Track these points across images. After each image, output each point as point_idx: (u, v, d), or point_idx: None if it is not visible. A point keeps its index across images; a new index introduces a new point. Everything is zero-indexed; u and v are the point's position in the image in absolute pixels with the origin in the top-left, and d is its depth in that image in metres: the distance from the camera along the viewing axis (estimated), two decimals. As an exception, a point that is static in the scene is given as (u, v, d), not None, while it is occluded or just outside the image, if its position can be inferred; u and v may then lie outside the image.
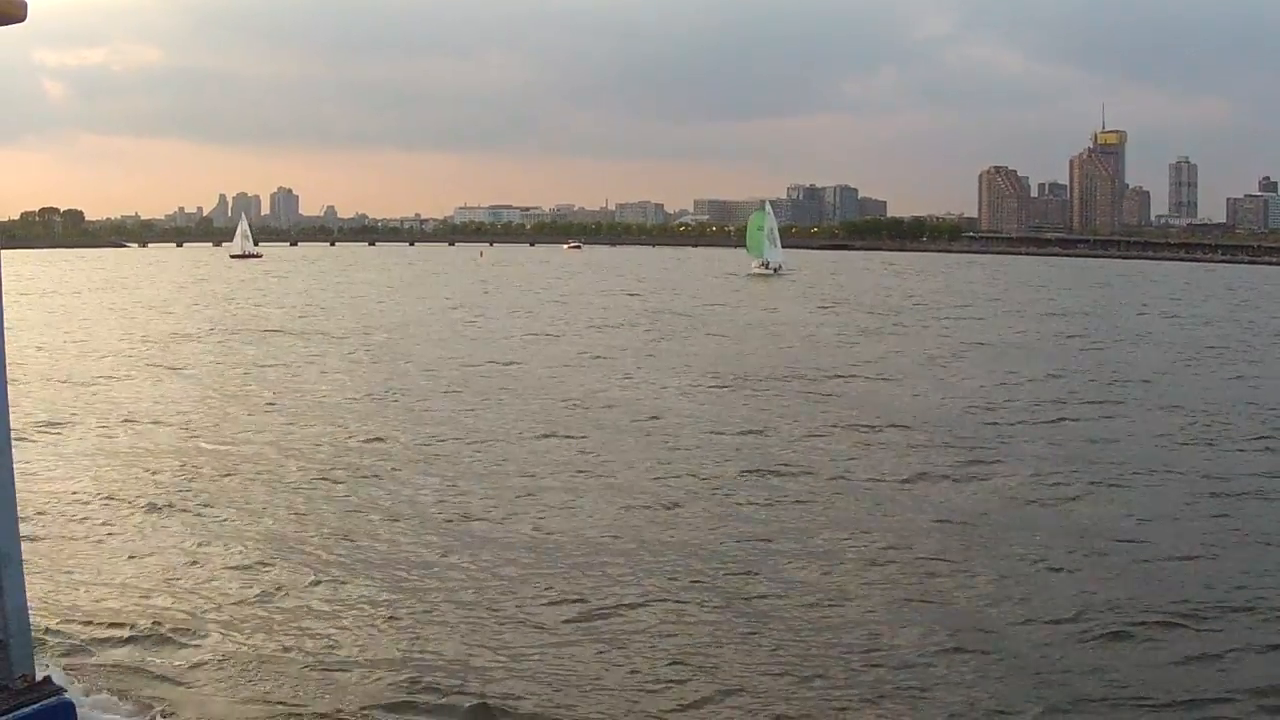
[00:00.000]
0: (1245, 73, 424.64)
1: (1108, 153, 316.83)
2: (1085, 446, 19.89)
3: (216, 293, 70.45)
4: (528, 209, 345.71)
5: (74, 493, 15.63)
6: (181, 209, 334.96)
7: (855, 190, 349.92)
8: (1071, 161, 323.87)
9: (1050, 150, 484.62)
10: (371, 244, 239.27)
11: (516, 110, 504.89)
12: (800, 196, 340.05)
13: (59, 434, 20.22)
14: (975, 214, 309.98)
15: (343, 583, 11.83)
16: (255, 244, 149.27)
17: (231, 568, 12.34)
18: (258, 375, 29.33)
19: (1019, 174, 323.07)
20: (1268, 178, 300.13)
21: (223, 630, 10.36)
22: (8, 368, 4.57)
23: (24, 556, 4.77)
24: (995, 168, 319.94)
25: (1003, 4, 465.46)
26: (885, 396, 26.23)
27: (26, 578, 4.72)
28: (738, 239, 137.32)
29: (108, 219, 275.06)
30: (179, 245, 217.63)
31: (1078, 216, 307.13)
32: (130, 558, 12.68)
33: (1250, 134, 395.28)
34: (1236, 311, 62.18)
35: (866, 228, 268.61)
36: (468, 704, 8.90)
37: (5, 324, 4.62)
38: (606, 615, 10.92)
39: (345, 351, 35.38)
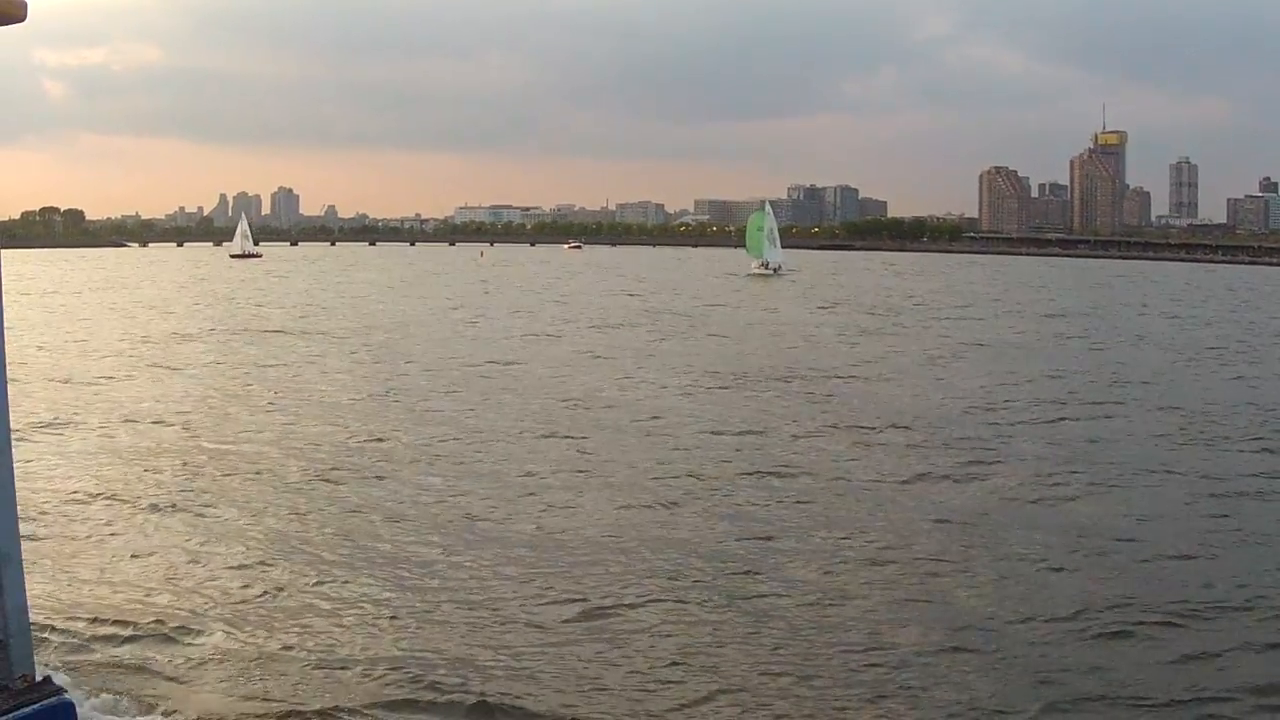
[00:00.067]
0: (1245, 73, 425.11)
1: (1108, 153, 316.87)
2: (1085, 446, 19.91)
3: (217, 293, 70.45)
4: (528, 209, 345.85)
5: (75, 492, 15.64)
6: (182, 209, 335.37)
7: (856, 190, 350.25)
8: (1072, 162, 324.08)
9: (1051, 150, 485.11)
10: (372, 244, 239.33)
11: (517, 110, 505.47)
12: (801, 197, 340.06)
13: (60, 434, 20.23)
14: (976, 214, 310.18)
15: (344, 582, 11.85)
16: (255, 244, 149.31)
17: (232, 567, 12.35)
18: (259, 375, 29.34)
19: (1019, 174, 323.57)
20: (1268, 178, 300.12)
21: (224, 629, 10.37)
22: (8, 368, 4.57)
23: (25, 556, 4.78)
24: (996, 168, 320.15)
25: (1003, 4, 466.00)
26: (885, 396, 26.23)
27: (27, 577, 4.72)
28: (738, 239, 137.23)
29: (108, 219, 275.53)
30: (179, 245, 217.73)
31: (1078, 217, 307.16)
32: (132, 557, 12.68)
33: (1251, 134, 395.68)
34: (1237, 312, 62.22)
35: (867, 228, 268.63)
36: (468, 703, 8.91)
37: (5, 324, 4.63)
38: (607, 614, 10.94)
39: (346, 351, 35.38)
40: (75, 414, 22.42)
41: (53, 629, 10.10)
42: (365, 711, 8.75)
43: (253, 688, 9.13)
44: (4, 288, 4.81)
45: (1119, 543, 13.56)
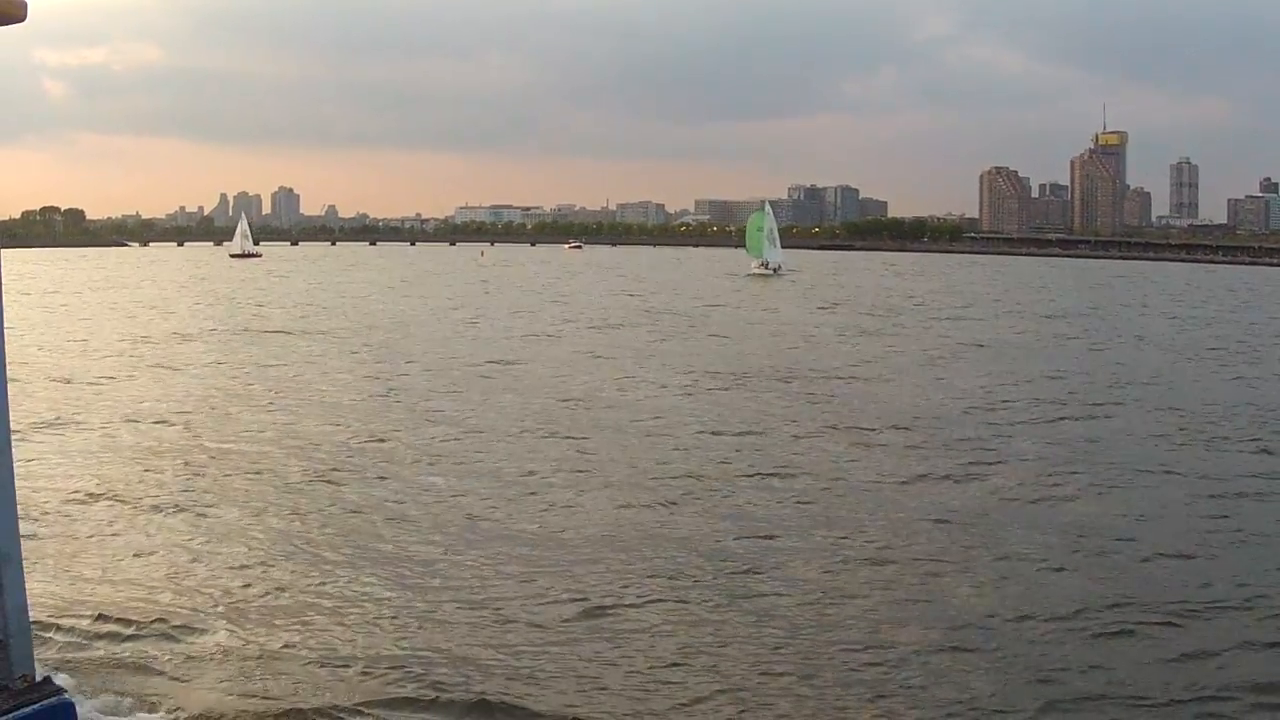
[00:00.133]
0: (1245, 73, 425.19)
1: (1109, 153, 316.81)
2: (1085, 446, 19.91)
3: (218, 292, 70.46)
4: (529, 209, 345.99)
5: (76, 491, 15.64)
6: (182, 208, 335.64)
7: (856, 190, 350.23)
8: (1072, 162, 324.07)
9: (1051, 151, 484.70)
10: (372, 244, 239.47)
11: (517, 110, 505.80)
12: (801, 197, 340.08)
13: (62, 433, 20.24)
14: (976, 214, 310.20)
15: (345, 580, 11.86)
16: (256, 243, 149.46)
17: (234, 566, 12.36)
18: (260, 375, 29.34)
19: (1020, 174, 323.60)
20: (1269, 179, 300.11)
21: (225, 628, 10.38)
22: (8, 368, 4.58)
23: (26, 555, 4.78)
24: (996, 168, 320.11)
25: (1003, 4, 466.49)
26: (885, 397, 26.24)
27: (28, 576, 4.72)
28: (738, 239, 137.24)
29: (108, 218, 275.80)
30: (180, 245, 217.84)
31: (1079, 217, 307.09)
32: (133, 556, 12.69)
33: (1251, 134, 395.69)
34: (1237, 313, 62.21)
35: (867, 228, 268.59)
36: (469, 701, 8.93)
37: (5, 324, 4.63)
38: (608, 613, 10.95)
39: (347, 351, 35.39)
40: (76, 413, 22.43)
41: (54, 628, 10.11)
42: (366, 710, 8.76)
43: (254, 686, 9.14)
44: (4, 287, 4.81)
45: (1118, 542, 13.57)
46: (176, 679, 9.26)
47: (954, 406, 24.71)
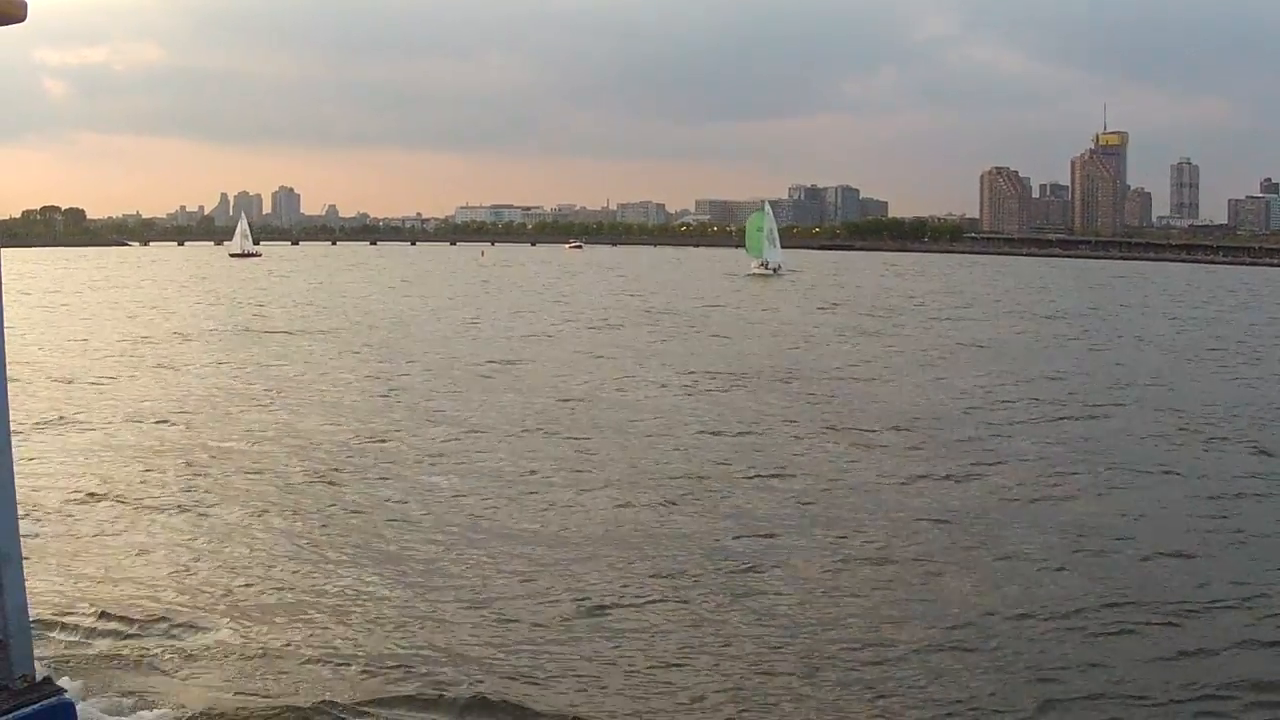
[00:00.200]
0: (1245, 73, 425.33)
1: (1109, 154, 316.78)
2: (1085, 446, 19.92)
3: (218, 292, 70.47)
4: (529, 209, 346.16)
5: (77, 490, 15.65)
6: (183, 208, 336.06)
7: (856, 191, 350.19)
8: (1073, 162, 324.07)
9: (1051, 151, 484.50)
10: (373, 243, 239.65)
11: (517, 110, 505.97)
12: (801, 197, 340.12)
13: (63, 433, 20.25)
14: (976, 215, 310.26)
15: (346, 579, 11.87)
16: (256, 243, 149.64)
17: (235, 565, 12.38)
18: (260, 374, 29.36)
19: (1020, 175, 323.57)
20: (1269, 179, 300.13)
21: (226, 627, 10.39)
22: (8, 367, 4.58)
23: (27, 554, 4.79)
24: (996, 168, 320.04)
25: (1003, 4, 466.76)
26: (885, 397, 26.25)
27: (28, 575, 4.73)
28: (739, 239, 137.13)
29: (109, 218, 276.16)
30: (180, 244, 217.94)
31: (1079, 217, 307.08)
32: (134, 555, 12.70)
33: (1251, 135, 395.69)
34: (1237, 313, 62.18)
35: (868, 228, 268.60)
36: (470, 699, 8.93)
37: (6, 323, 4.64)
38: (608, 612, 10.96)
39: (347, 351, 35.39)
40: (77, 413, 22.44)
41: (56, 626, 10.12)
42: (367, 708, 8.77)
43: (255, 685, 9.15)
44: (4, 287, 4.81)
45: (1118, 542, 13.59)
46: (177, 677, 9.27)
47: (954, 406, 24.71)
